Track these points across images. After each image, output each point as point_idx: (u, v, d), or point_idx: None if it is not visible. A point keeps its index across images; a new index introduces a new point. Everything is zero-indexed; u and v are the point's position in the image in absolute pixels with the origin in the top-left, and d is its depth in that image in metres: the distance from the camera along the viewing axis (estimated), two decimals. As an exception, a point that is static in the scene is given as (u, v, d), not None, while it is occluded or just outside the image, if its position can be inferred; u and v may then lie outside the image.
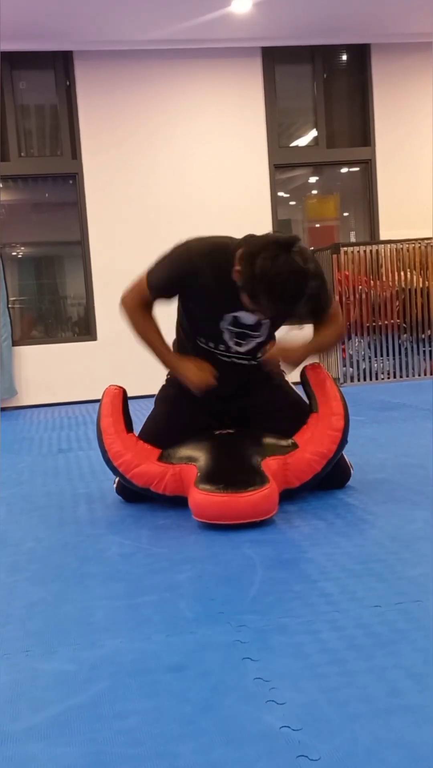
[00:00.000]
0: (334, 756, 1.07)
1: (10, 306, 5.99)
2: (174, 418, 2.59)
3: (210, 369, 2.45)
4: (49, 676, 1.38)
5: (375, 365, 5.89)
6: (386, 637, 1.43)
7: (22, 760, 1.12)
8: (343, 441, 2.43)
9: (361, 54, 6.34)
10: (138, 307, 2.47)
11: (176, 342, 2.65)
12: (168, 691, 1.29)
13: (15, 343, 6.00)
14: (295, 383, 2.68)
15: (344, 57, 6.43)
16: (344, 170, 6.71)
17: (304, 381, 2.60)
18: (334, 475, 2.52)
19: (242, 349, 2.48)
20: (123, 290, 2.51)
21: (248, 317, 2.37)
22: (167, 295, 2.46)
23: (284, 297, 2.11)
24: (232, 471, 2.31)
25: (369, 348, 5.88)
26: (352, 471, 2.64)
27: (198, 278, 2.33)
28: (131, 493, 2.56)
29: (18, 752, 1.14)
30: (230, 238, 2.39)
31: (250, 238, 2.25)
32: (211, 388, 2.44)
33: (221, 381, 2.46)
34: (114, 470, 2.52)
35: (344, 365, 5.85)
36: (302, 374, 2.61)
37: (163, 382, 2.74)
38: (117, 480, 2.62)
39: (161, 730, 1.17)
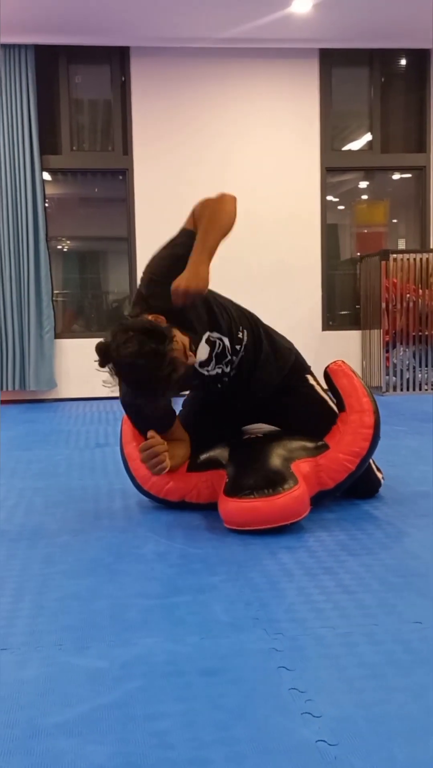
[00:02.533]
0: (371, 775, 1.03)
1: (53, 299, 6.03)
2: (205, 419, 2.57)
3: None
4: (81, 672, 1.37)
5: (419, 375, 5.80)
6: (426, 655, 1.39)
7: (52, 756, 1.10)
8: (375, 438, 2.37)
9: (420, 59, 6.25)
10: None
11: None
12: (201, 695, 1.27)
13: (57, 336, 6.03)
14: (326, 389, 2.62)
15: (403, 61, 6.35)
16: (396, 177, 6.63)
17: (328, 380, 2.53)
18: (363, 485, 2.47)
19: (234, 367, 2.43)
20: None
21: (201, 359, 2.32)
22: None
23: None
24: (260, 475, 2.27)
25: (414, 358, 5.79)
26: (382, 480, 2.58)
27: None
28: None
29: (48, 747, 1.13)
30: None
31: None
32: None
33: (224, 398, 2.49)
34: (145, 494, 2.52)
35: (388, 374, 5.77)
36: (326, 374, 2.54)
37: None
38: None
39: (193, 735, 1.15)
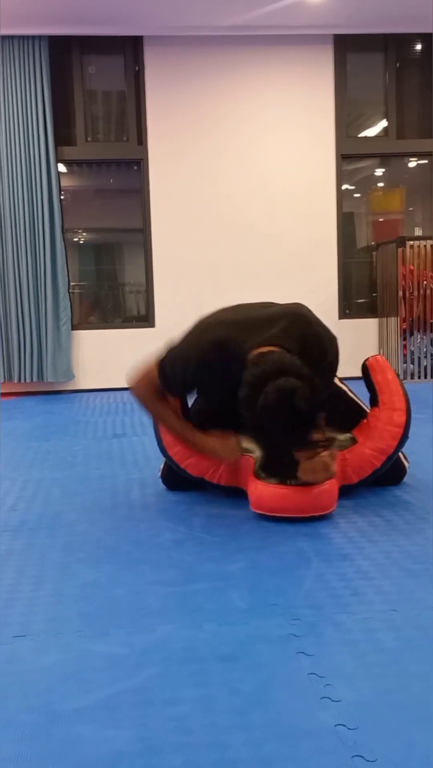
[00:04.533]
0: (391, 759, 1.03)
1: (70, 291, 6.04)
2: (225, 408, 2.55)
3: (234, 438, 2.34)
4: (100, 658, 1.37)
5: (436, 363, 5.76)
6: (446, 641, 1.38)
7: (72, 741, 1.11)
8: (404, 437, 2.37)
9: (435, 44, 6.18)
10: (150, 395, 2.39)
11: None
12: (219, 681, 1.27)
13: (74, 327, 6.05)
14: (351, 378, 2.60)
15: (418, 46, 6.27)
16: (412, 164, 6.56)
17: (365, 373, 2.53)
18: (389, 472, 2.46)
19: None
20: (130, 373, 2.45)
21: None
22: (177, 393, 2.41)
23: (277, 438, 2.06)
24: (290, 464, 2.26)
25: (432, 345, 5.74)
26: (408, 467, 2.57)
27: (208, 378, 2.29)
28: (176, 482, 2.55)
29: (68, 732, 1.13)
30: (238, 329, 2.24)
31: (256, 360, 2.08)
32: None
33: None
34: (169, 459, 2.51)
35: (405, 362, 5.73)
36: (364, 366, 2.54)
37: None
38: (163, 467, 2.61)
39: (212, 720, 1.15)
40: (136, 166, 6.13)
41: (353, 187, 6.51)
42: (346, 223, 6.38)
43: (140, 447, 3.47)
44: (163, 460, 2.57)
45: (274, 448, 2.19)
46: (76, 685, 1.28)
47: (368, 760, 1.03)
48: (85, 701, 1.22)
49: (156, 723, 1.15)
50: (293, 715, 1.15)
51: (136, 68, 6.02)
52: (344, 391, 2.58)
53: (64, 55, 5.93)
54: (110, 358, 6.10)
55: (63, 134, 5.98)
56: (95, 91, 6.16)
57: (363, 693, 1.21)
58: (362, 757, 1.04)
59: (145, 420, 3.97)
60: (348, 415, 2.49)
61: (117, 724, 1.15)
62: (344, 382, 2.60)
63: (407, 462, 2.60)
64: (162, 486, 2.65)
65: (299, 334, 2.19)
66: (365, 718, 1.13)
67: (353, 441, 2.39)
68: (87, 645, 1.43)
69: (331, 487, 2.17)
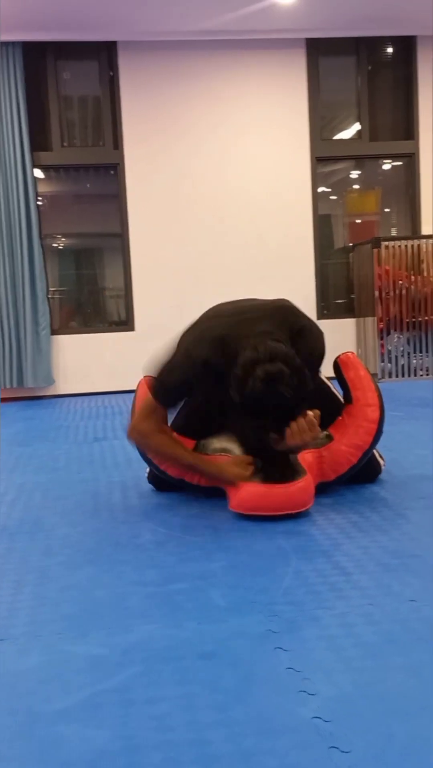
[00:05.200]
0: (368, 751, 1.05)
1: (49, 296, 6.04)
2: (207, 410, 2.58)
3: (247, 460, 2.33)
4: (81, 660, 1.38)
5: (414, 361, 5.82)
6: (423, 633, 1.40)
7: (53, 741, 1.12)
8: (378, 433, 2.40)
9: (406, 46, 6.24)
10: (153, 431, 2.39)
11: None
12: (199, 678, 1.28)
13: (53, 332, 6.04)
14: (330, 377, 2.64)
15: (389, 49, 6.34)
16: (387, 166, 6.63)
17: (337, 370, 2.56)
18: (364, 470, 2.49)
19: None
20: (128, 424, 2.47)
21: None
22: (176, 401, 2.40)
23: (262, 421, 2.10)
24: (269, 463, 2.29)
25: (408, 344, 5.80)
26: (383, 465, 2.60)
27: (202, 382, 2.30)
28: (163, 483, 2.56)
29: (50, 733, 1.14)
30: (228, 327, 2.28)
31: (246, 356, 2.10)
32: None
33: None
34: (148, 462, 2.52)
35: (382, 361, 5.79)
36: (336, 364, 2.57)
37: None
38: (149, 469, 2.62)
39: (192, 717, 1.16)
40: (113, 171, 6.15)
41: (329, 190, 6.56)
42: (323, 224, 6.43)
43: (121, 450, 3.48)
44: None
45: (253, 434, 2.22)
46: (58, 686, 1.29)
47: (343, 751, 1.05)
48: (66, 702, 1.23)
49: (137, 721, 1.16)
50: (272, 710, 1.17)
51: (111, 73, 6.03)
52: (328, 387, 2.61)
53: (39, 61, 5.93)
54: (91, 363, 6.10)
55: (39, 140, 5.98)
56: (70, 97, 6.17)
57: (340, 686, 1.23)
58: (338, 748, 1.05)
59: (126, 423, 3.97)
60: (326, 413, 2.51)
61: (98, 724, 1.16)
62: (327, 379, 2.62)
63: (383, 460, 2.63)
64: (144, 488, 2.67)
65: (289, 326, 2.24)
66: (342, 711, 1.15)
67: (329, 438, 2.41)
68: (68, 647, 1.44)
69: (308, 484, 2.19)
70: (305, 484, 2.19)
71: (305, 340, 2.25)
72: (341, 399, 2.56)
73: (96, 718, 1.17)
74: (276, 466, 2.25)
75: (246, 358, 2.05)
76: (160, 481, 2.58)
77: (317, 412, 2.11)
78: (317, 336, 2.32)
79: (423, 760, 1.02)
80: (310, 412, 2.10)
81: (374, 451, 2.56)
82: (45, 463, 3.28)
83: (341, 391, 2.56)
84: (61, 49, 5.96)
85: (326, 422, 2.46)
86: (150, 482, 2.64)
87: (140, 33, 5.79)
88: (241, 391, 2.04)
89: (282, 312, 2.31)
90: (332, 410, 2.50)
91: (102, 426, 4.36)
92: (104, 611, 1.61)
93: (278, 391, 1.99)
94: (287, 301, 2.40)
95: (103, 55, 6.02)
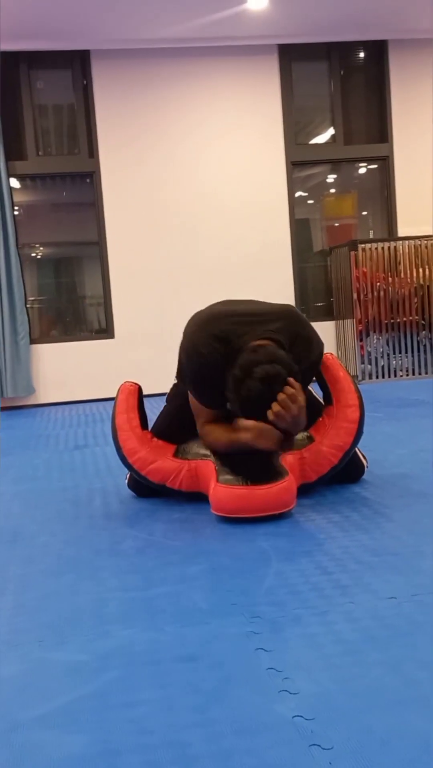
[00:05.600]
0: (347, 746, 1.05)
1: (28, 306, 6.01)
2: (187, 414, 2.58)
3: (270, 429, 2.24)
4: (60, 666, 1.37)
5: (393, 362, 5.85)
6: (402, 629, 1.41)
7: (31, 747, 1.11)
8: (359, 433, 2.41)
9: (378, 50, 6.30)
10: (204, 433, 2.39)
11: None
12: (179, 680, 1.28)
13: (33, 342, 6.02)
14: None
15: (361, 54, 6.39)
16: (362, 170, 6.67)
17: (317, 373, 2.57)
18: (348, 470, 2.50)
19: None
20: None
21: None
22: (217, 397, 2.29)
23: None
24: (249, 465, 2.29)
25: (387, 345, 5.83)
26: (366, 465, 2.61)
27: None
28: (143, 488, 2.55)
29: (28, 739, 1.13)
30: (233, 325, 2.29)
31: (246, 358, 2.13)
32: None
33: None
34: (129, 467, 2.51)
35: (363, 362, 5.81)
36: None
37: (175, 380, 2.72)
38: (129, 475, 2.61)
39: (172, 720, 1.15)
40: (89, 179, 6.14)
41: (306, 194, 6.60)
42: (301, 228, 6.46)
43: (102, 457, 3.47)
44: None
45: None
46: (36, 693, 1.28)
47: (324, 749, 1.04)
48: (45, 708, 1.22)
49: (115, 725, 1.15)
50: (252, 710, 1.16)
51: (84, 82, 6.04)
52: (309, 391, 2.61)
53: (12, 70, 5.93)
54: (71, 371, 6.08)
55: (13, 149, 5.97)
56: (45, 106, 6.17)
57: (321, 684, 1.22)
58: (319, 745, 1.05)
59: (108, 431, 3.97)
60: (307, 414, 2.51)
61: (77, 729, 1.15)
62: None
63: (366, 460, 2.64)
64: (124, 495, 2.66)
65: (291, 332, 2.28)
66: (323, 708, 1.15)
67: (310, 440, 2.42)
68: (47, 654, 1.43)
69: (290, 484, 2.19)
70: (287, 484, 2.19)
71: (303, 348, 2.29)
72: (321, 401, 2.57)
73: (74, 724, 1.16)
74: (258, 467, 2.25)
75: (245, 360, 2.10)
76: (140, 487, 2.57)
77: (297, 384, 2.11)
78: (317, 346, 2.37)
79: (400, 752, 1.02)
80: (288, 387, 2.09)
81: (358, 451, 2.57)
82: (25, 473, 3.26)
83: (321, 393, 2.57)
84: (35, 59, 5.96)
85: (307, 424, 2.47)
86: (130, 488, 2.63)
87: (113, 41, 5.80)
88: (238, 391, 2.08)
89: (286, 318, 2.34)
90: (312, 412, 2.50)
91: (83, 434, 4.34)
92: (84, 618, 1.59)
93: (275, 391, 2.04)
94: (293, 308, 2.46)
95: (76, 64, 6.03)
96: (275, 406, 2.08)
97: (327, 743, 1.06)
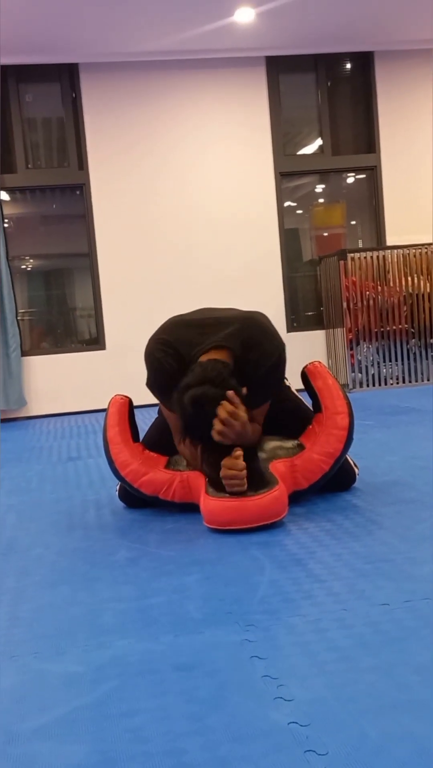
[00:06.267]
0: (342, 751, 1.06)
1: (19, 318, 6.02)
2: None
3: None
4: (56, 678, 1.38)
5: (384, 371, 5.88)
6: (395, 635, 1.42)
7: (29, 759, 1.12)
8: (349, 439, 2.43)
9: (364, 61, 6.36)
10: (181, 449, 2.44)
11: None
12: (175, 689, 1.29)
13: (24, 354, 6.02)
14: (299, 390, 2.67)
15: (348, 65, 6.45)
16: (350, 180, 6.73)
17: (305, 381, 2.59)
18: (339, 477, 2.52)
19: None
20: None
21: None
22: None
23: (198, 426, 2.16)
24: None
25: (378, 353, 5.87)
26: (357, 473, 2.63)
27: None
28: (133, 499, 2.56)
29: (25, 751, 1.14)
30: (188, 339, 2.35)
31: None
32: None
33: None
34: (122, 480, 2.53)
35: (353, 371, 5.84)
36: (303, 374, 2.60)
37: None
38: (119, 486, 2.62)
39: (168, 728, 1.17)
40: (79, 191, 6.17)
41: (295, 204, 6.64)
42: (290, 238, 6.51)
43: (95, 469, 3.48)
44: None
45: (205, 453, 2.25)
46: (33, 704, 1.28)
47: (319, 754, 1.06)
48: (42, 720, 1.23)
49: (113, 735, 1.16)
50: (248, 717, 1.18)
51: (73, 95, 6.07)
52: (296, 398, 2.63)
53: (1, 84, 5.95)
54: (63, 383, 6.09)
55: (3, 162, 5.99)
56: (34, 119, 6.20)
57: (315, 690, 1.24)
58: (314, 751, 1.07)
59: (100, 442, 3.97)
60: (297, 422, 2.54)
61: (74, 740, 1.16)
62: (295, 391, 2.65)
63: (357, 468, 2.66)
64: (118, 505, 2.67)
65: (244, 337, 2.29)
66: (317, 715, 1.16)
67: (301, 447, 2.43)
68: (43, 665, 1.44)
69: (281, 493, 2.20)
70: (278, 493, 2.21)
71: (256, 352, 2.29)
72: (310, 408, 2.59)
73: (72, 734, 1.17)
74: (247, 478, 2.26)
75: (183, 381, 2.14)
76: (130, 498, 2.59)
77: (236, 399, 2.13)
78: (270, 347, 2.34)
79: (395, 756, 1.03)
80: (225, 404, 2.12)
81: (349, 459, 2.59)
82: (18, 485, 3.26)
83: (310, 401, 2.59)
84: (23, 72, 5.99)
85: (296, 432, 2.50)
86: (121, 499, 2.65)
87: (101, 54, 5.85)
88: (180, 413, 2.15)
89: (241, 322, 2.35)
90: (302, 420, 2.53)
91: (75, 445, 4.35)
92: (79, 629, 1.60)
93: (209, 413, 2.08)
94: (258, 314, 2.44)
95: (65, 77, 6.06)
96: (217, 425, 2.11)
97: (322, 749, 1.07)
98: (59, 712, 1.25)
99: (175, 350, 2.30)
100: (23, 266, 6.41)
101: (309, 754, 1.06)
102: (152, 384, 2.40)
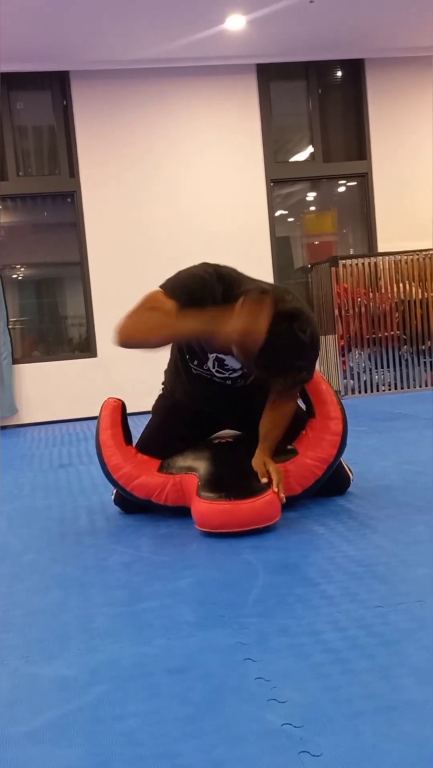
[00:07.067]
0: (336, 751, 1.05)
1: (10, 326, 6.01)
2: (171, 428, 2.59)
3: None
4: (49, 682, 1.37)
5: (376, 377, 5.89)
6: (389, 637, 1.42)
7: (21, 763, 1.10)
8: (342, 445, 2.43)
9: (355, 69, 6.40)
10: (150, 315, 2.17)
11: (171, 364, 2.64)
12: (169, 692, 1.28)
13: (15, 362, 6.01)
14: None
15: (339, 72, 6.49)
16: (342, 188, 6.75)
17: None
18: (334, 482, 2.51)
19: (220, 376, 2.44)
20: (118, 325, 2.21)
21: (233, 362, 2.33)
22: (189, 302, 2.13)
23: (281, 370, 2.11)
24: (233, 479, 2.31)
25: (369, 360, 5.88)
26: (352, 477, 2.63)
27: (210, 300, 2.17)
28: (130, 505, 2.55)
29: (18, 755, 1.13)
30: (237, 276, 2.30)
31: (250, 294, 2.04)
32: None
33: (215, 397, 2.49)
34: (114, 483, 2.51)
35: (345, 377, 5.85)
36: None
37: (160, 392, 2.74)
38: (116, 491, 2.61)
39: (162, 731, 1.16)
40: (70, 199, 6.17)
41: (286, 212, 6.66)
42: (281, 246, 6.52)
43: (87, 475, 3.46)
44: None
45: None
46: (26, 708, 1.27)
47: (313, 755, 1.05)
48: (35, 724, 1.22)
49: (106, 738, 1.15)
50: (242, 719, 1.17)
51: (64, 103, 6.08)
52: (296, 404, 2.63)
53: (-8, 92, 5.96)
54: (54, 391, 6.08)
55: (-6, 170, 5.99)
56: (25, 127, 6.20)
57: (309, 692, 1.23)
58: (308, 752, 1.06)
59: (92, 449, 3.96)
60: (290, 427, 2.53)
61: (67, 743, 1.15)
62: None
63: (351, 473, 2.66)
64: (110, 512, 2.66)
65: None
66: (312, 716, 1.16)
67: (294, 453, 2.43)
68: (35, 670, 1.43)
69: (273, 498, 2.20)
70: (270, 498, 2.20)
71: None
72: (304, 413, 2.59)
73: (65, 738, 1.16)
74: (240, 483, 2.26)
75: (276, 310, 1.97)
76: (127, 503, 2.58)
77: None
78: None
79: (387, 756, 1.03)
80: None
81: (344, 464, 2.59)
82: (9, 492, 3.25)
83: (303, 406, 2.59)
84: (14, 80, 5.99)
85: (290, 437, 2.49)
86: (116, 504, 2.63)
87: (92, 62, 5.86)
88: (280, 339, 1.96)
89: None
90: (295, 425, 2.52)
91: (67, 452, 4.33)
92: (72, 633, 1.59)
93: (297, 362, 2.07)
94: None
95: (56, 85, 6.07)
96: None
97: (316, 750, 1.06)
98: (52, 716, 1.24)
99: (222, 282, 2.18)
100: (14, 275, 6.40)
101: (303, 755, 1.05)
102: (178, 281, 2.22)
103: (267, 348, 1.95)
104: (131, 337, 2.15)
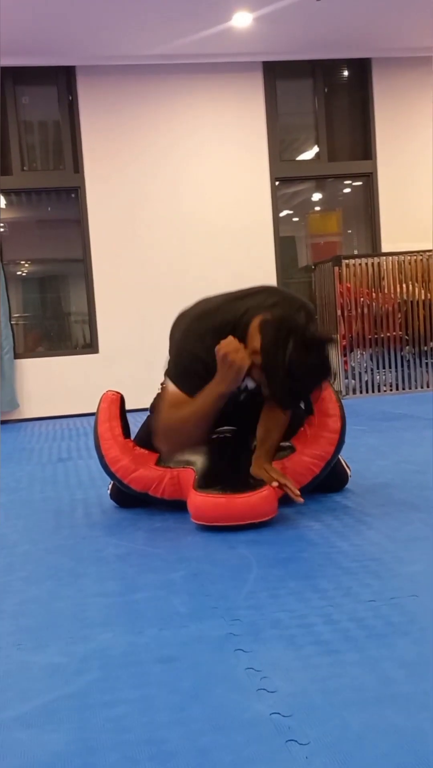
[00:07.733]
0: (323, 741, 1.05)
1: (13, 322, 6.02)
2: None
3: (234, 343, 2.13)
4: (39, 668, 1.37)
5: (377, 377, 5.89)
6: (380, 630, 1.42)
7: (8, 746, 1.10)
8: (340, 443, 2.43)
9: (362, 68, 6.39)
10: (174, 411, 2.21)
11: None
12: (158, 681, 1.28)
13: (17, 356, 6.01)
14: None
15: (345, 72, 6.48)
16: (347, 190, 6.75)
17: None
18: (332, 479, 2.51)
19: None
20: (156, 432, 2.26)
21: (249, 382, 2.28)
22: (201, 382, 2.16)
23: (303, 393, 2.14)
24: (230, 473, 2.31)
25: (371, 360, 5.87)
26: (350, 474, 2.62)
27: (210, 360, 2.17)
28: (126, 498, 2.55)
29: (5, 738, 1.13)
30: (223, 303, 2.33)
31: (266, 315, 2.08)
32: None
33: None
34: (111, 475, 2.51)
35: (346, 377, 5.84)
36: None
37: (159, 392, 2.73)
38: (111, 485, 2.61)
39: (150, 718, 1.16)
40: (74, 194, 6.17)
41: (291, 212, 6.66)
42: (287, 246, 6.52)
43: (85, 469, 3.47)
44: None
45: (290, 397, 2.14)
46: (15, 694, 1.27)
47: (301, 744, 1.05)
48: (23, 708, 1.22)
49: (94, 724, 1.15)
50: (230, 708, 1.17)
51: (70, 98, 6.08)
52: None
53: (-2, 86, 5.96)
54: (55, 386, 6.08)
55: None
56: (30, 121, 6.20)
57: (298, 683, 1.23)
58: (296, 741, 1.06)
59: (91, 444, 3.96)
60: (289, 425, 2.53)
61: (55, 728, 1.15)
62: None
63: (349, 469, 2.65)
64: (107, 505, 2.66)
65: (283, 297, 2.30)
66: (300, 706, 1.15)
67: (292, 450, 2.43)
68: (26, 657, 1.43)
69: (269, 493, 2.20)
70: (267, 493, 2.20)
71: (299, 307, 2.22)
72: (302, 411, 2.59)
73: (52, 723, 1.16)
74: (237, 479, 2.26)
75: (294, 328, 1.99)
76: (123, 497, 2.57)
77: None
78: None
79: (376, 747, 1.03)
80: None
81: (342, 460, 2.59)
82: (7, 484, 3.25)
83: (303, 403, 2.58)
84: (20, 74, 6.00)
85: (288, 434, 2.49)
86: (112, 498, 2.63)
87: (98, 57, 5.86)
88: (285, 366, 1.95)
89: (267, 289, 2.38)
90: (294, 422, 2.52)
91: (66, 447, 4.33)
92: (63, 622, 1.59)
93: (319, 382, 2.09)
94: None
95: (61, 80, 6.07)
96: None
97: (304, 739, 1.06)
98: (40, 702, 1.24)
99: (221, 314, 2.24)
100: (18, 271, 6.40)
101: (291, 744, 1.05)
102: (189, 356, 2.22)
103: (292, 377, 1.97)
104: (170, 439, 2.26)
